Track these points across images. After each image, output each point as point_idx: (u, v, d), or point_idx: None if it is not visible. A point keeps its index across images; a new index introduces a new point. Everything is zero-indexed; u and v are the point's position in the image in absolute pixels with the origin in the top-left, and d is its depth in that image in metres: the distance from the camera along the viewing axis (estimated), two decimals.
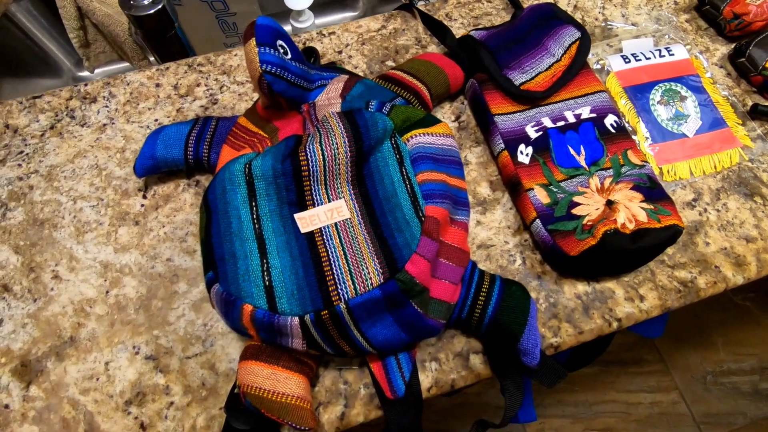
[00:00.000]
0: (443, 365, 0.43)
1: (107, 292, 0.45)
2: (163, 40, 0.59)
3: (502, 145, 0.49)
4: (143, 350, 0.43)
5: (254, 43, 0.38)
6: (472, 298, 0.41)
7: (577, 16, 0.60)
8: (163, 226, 0.48)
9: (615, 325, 0.45)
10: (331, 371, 0.42)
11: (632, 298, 0.46)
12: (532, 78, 0.51)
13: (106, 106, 0.53)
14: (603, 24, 0.60)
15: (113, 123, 0.52)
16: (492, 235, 0.48)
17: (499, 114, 0.50)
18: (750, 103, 0.55)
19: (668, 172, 0.51)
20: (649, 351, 1.40)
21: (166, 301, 0.45)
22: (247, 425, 0.37)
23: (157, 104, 0.53)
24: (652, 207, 0.44)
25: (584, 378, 1.35)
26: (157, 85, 0.54)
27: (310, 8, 0.68)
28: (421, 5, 0.60)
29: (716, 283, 0.47)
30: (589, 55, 0.57)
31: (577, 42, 0.51)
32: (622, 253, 0.42)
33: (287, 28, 0.75)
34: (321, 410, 0.41)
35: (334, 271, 0.35)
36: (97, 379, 0.42)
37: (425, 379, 0.42)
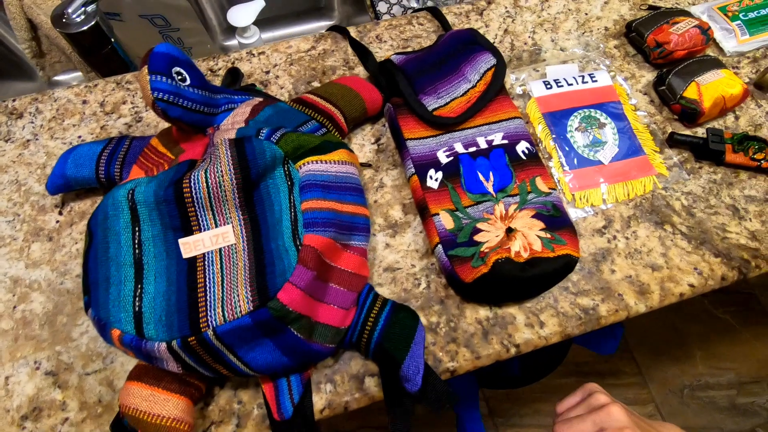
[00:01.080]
0: (338, 387, 0.43)
1: (14, 307, 0.46)
2: (98, 56, 0.60)
3: (413, 170, 0.50)
4: (44, 365, 0.44)
5: (146, 71, 0.39)
6: (361, 323, 0.41)
7: (507, 40, 0.61)
8: (76, 243, 0.49)
9: (513, 350, 0.45)
10: (227, 390, 0.43)
11: (532, 324, 0.46)
12: (447, 103, 0.51)
13: (32, 122, 0.54)
14: (532, 48, 0.60)
15: (37, 139, 0.53)
16: (399, 258, 0.49)
17: (411, 138, 0.51)
18: (669, 132, 0.55)
19: (581, 198, 0.52)
20: (627, 363, 1.40)
21: (72, 317, 0.46)
22: None
23: (82, 121, 0.54)
24: (549, 236, 0.45)
25: (561, 388, 1.35)
26: (84, 102, 0.55)
27: (281, 18, 0.69)
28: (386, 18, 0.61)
29: (618, 311, 0.47)
30: (513, 80, 0.58)
31: (493, 69, 0.52)
32: (512, 282, 0.43)
33: (233, 42, 0.76)
34: (213, 429, 0.41)
35: (208, 297, 0.35)
36: None
37: (319, 401, 0.43)
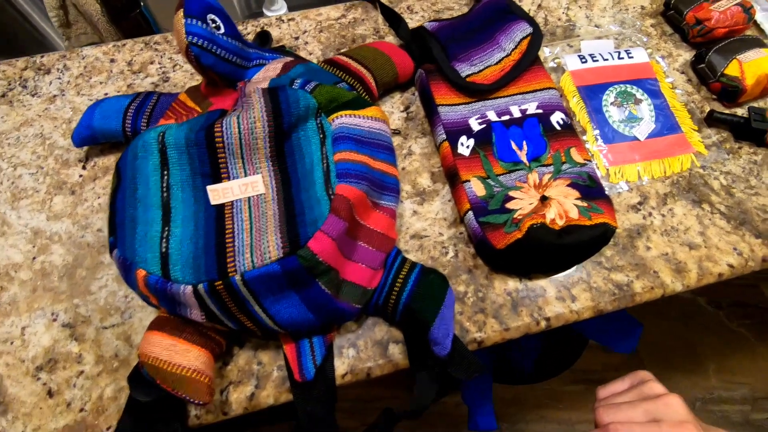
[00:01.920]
0: (361, 353, 0.42)
1: (34, 258, 0.45)
2: (127, 19, 0.60)
3: (444, 136, 0.48)
4: (61, 317, 0.43)
5: (182, 14, 0.38)
6: (389, 285, 0.40)
7: (540, 15, 0.59)
8: (99, 197, 0.48)
9: (543, 324, 0.44)
10: (247, 351, 0.42)
11: (564, 298, 0.45)
12: (480, 71, 0.50)
13: (59, 78, 0.54)
14: (566, 24, 0.59)
15: (63, 95, 0.53)
16: (427, 226, 0.47)
17: (443, 105, 0.49)
18: (708, 110, 0.54)
19: (615, 173, 0.50)
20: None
21: (91, 270, 0.45)
22: (149, 397, 0.37)
23: (109, 79, 0.54)
24: (585, 204, 0.43)
25: (568, 395, 1.32)
26: (112, 61, 0.55)
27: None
28: None
29: (653, 288, 0.45)
30: (547, 53, 0.56)
31: (529, 37, 0.50)
32: (547, 248, 0.41)
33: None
34: (231, 389, 0.40)
35: (236, 243, 0.34)
36: (12, 343, 0.42)
37: (341, 366, 0.41)
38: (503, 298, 0.44)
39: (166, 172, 0.36)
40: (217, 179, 0.37)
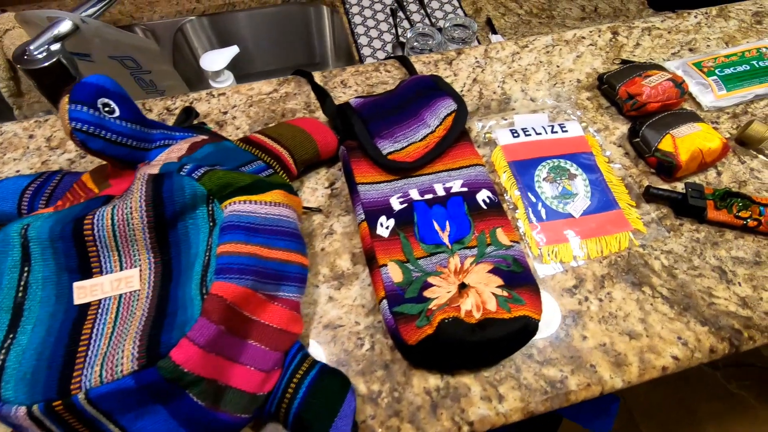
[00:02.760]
0: None
1: None
2: (62, 93, 0.59)
3: (363, 216, 0.46)
4: None
5: (66, 99, 0.37)
6: (282, 389, 0.36)
7: (476, 89, 0.59)
8: None
9: (465, 429, 0.39)
10: None
11: (490, 398, 0.40)
12: (403, 148, 0.48)
13: None
14: (501, 97, 0.58)
15: None
16: (343, 314, 0.44)
17: (363, 183, 0.47)
18: (646, 185, 0.52)
19: (549, 253, 0.47)
20: None
21: None
22: None
23: (24, 155, 0.52)
24: (506, 294, 0.40)
25: None
26: (30, 137, 0.53)
27: (278, 72, 0.69)
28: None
29: (590, 385, 0.41)
30: (479, 128, 0.55)
31: (453, 114, 0.49)
32: (460, 345, 0.37)
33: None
34: None
35: (89, 352, 0.30)
36: None
37: None
38: (422, 399, 0.40)
39: (27, 269, 0.33)
40: (88, 275, 0.34)
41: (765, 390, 1.37)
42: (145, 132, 0.42)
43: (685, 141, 0.50)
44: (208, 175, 0.37)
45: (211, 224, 0.37)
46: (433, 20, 1.11)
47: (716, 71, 0.58)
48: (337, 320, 0.43)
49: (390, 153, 0.48)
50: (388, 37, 1.09)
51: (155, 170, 0.39)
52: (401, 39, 1.06)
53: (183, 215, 0.36)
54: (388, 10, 1.16)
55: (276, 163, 0.47)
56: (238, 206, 0.37)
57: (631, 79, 0.55)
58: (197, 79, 1.22)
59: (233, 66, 0.73)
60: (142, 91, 0.74)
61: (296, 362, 0.37)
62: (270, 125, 0.55)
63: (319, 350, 0.42)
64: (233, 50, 0.69)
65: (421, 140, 0.49)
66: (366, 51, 1.06)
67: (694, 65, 0.59)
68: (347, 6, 1.18)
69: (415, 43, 0.98)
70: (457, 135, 0.49)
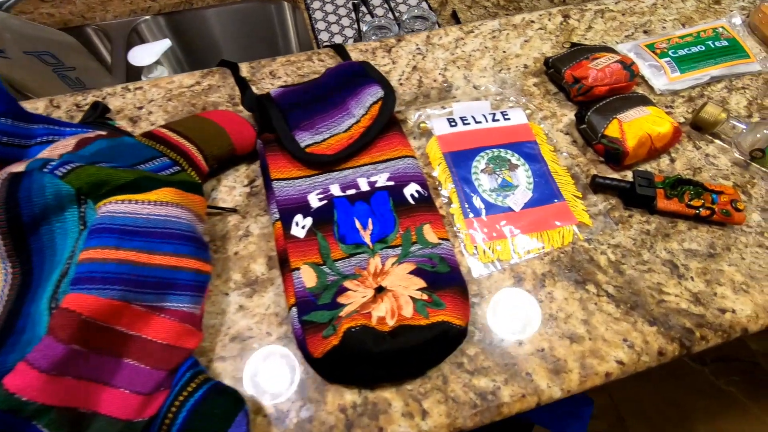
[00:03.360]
0: None
1: None
2: None
3: (277, 215, 0.42)
4: None
5: None
6: (164, 413, 0.31)
7: (415, 77, 0.55)
8: None
9: None
10: None
11: (412, 414, 0.36)
12: (325, 140, 0.44)
13: None
14: (442, 85, 0.54)
15: None
16: (253, 324, 0.39)
17: (279, 179, 0.43)
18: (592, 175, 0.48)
19: (486, 251, 0.43)
20: None
21: None
22: None
23: None
24: (426, 298, 0.36)
25: None
26: None
27: None
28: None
29: (525, 395, 0.37)
30: (415, 118, 0.51)
31: (380, 101, 0.45)
32: (367, 358, 0.33)
33: None
34: None
35: None
36: None
37: None
38: (336, 417, 0.35)
39: None
40: None
41: (753, 385, 1.34)
42: (23, 127, 0.38)
43: (632, 126, 0.46)
44: (75, 172, 0.33)
45: (81, 227, 0.32)
46: (397, 14, 1.07)
47: (670, 53, 0.55)
48: (247, 331, 0.39)
49: (309, 145, 0.44)
50: (350, 32, 1.05)
51: (21, 168, 0.35)
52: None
53: (47, 218, 0.32)
54: (350, 5, 1.12)
55: (183, 160, 0.42)
56: (113, 206, 0.32)
57: (578, 62, 0.51)
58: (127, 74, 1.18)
59: (194, 66, 0.69)
60: (69, 90, 0.69)
61: (184, 381, 0.33)
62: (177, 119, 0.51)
63: (224, 366, 0.37)
64: (164, 44, 0.64)
65: (345, 131, 0.45)
66: None
67: (646, 47, 0.56)
68: (308, 1, 1.14)
69: (373, 37, 0.94)
70: (384, 125, 0.45)
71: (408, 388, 0.37)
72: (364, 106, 0.45)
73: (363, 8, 1.11)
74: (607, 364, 0.38)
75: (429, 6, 1.08)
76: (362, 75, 0.47)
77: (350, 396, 0.36)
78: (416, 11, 0.97)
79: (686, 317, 0.40)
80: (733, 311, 0.41)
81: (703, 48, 0.55)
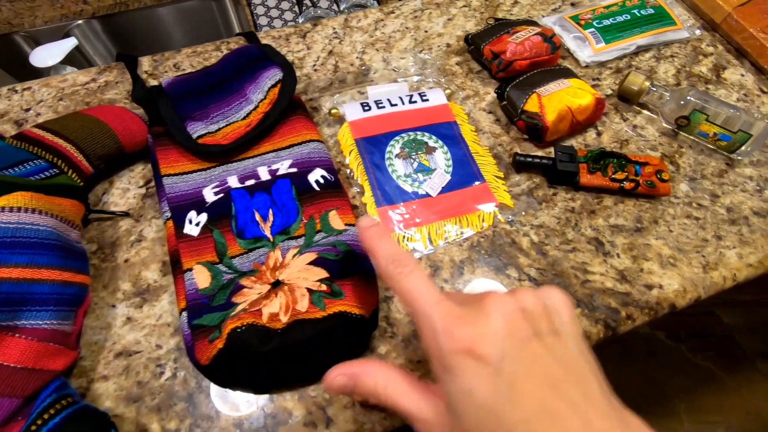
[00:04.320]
0: None
1: None
2: None
3: (168, 213, 0.38)
4: None
5: None
6: None
7: (331, 62, 0.52)
8: None
9: None
10: None
11: (315, 423, 0.32)
12: (220, 129, 0.41)
13: None
14: (359, 69, 0.51)
15: None
16: (142, 337, 0.35)
17: (170, 174, 0.39)
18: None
19: (400, 240, 0.40)
20: None
21: None
22: None
23: None
24: (325, 288, 0.33)
25: None
26: None
27: None
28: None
29: None
30: (328, 104, 0.48)
31: (279, 84, 0.42)
32: (257, 358, 0.30)
33: None
34: None
35: None
36: None
37: None
38: None
39: None
40: None
41: (728, 359, 1.36)
42: None
43: (552, 99, 0.44)
44: None
45: None
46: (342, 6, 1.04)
47: (594, 23, 0.53)
48: (134, 345, 0.35)
49: (202, 136, 0.40)
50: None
51: None
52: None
53: None
54: None
55: (61, 162, 0.38)
56: None
57: (498, 37, 0.49)
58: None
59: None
60: None
61: (43, 407, 0.29)
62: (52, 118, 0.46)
63: (106, 386, 0.33)
64: (69, 43, 0.60)
65: (243, 119, 0.41)
66: None
67: (571, 18, 0.54)
68: None
69: None
70: (286, 109, 0.42)
71: (311, 395, 0.33)
72: (262, 90, 0.42)
73: (306, 1, 1.07)
74: None
75: None
76: (261, 58, 0.44)
77: (247, 408, 0.33)
78: (354, 0, 0.93)
79: (612, 296, 0.38)
80: (660, 287, 0.39)
81: (629, 17, 0.53)
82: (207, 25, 1.21)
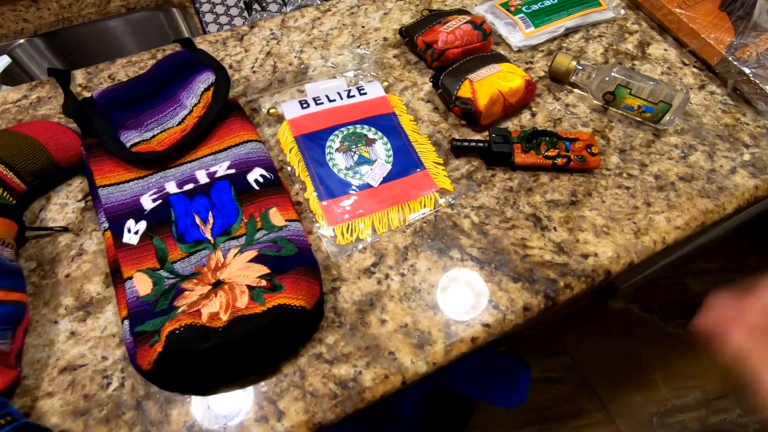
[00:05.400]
0: None
1: None
2: None
3: (106, 224, 0.38)
4: None
5: None
6: None
7: (269, 63, 0.52)
8: None
9: None
10: None
11: (267, 417, 0.33)
12: (154, 136, 0.41)
13: None
14: (298, 68, 0.52)
15: None
16: (87, 351, 0.35)
17: (105, 185, 0.39)
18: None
19: (344, 233, 0.41)
20: (589, 399, 1.27)
21: None
22: None
23: None
24: (264, 284, 0.33)
25: None
26: None
27: None
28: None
29: (388, 375, 0.35)
30: (267, 104, 0.48)
31: (212, 87, 0.42)
32: (196, 357, 0.30)
33: None
34: None
35: None
36: None
37: None
38: None
39: None
40: None
41: None
42: None
43: (483, 84, 0.45)
44: None
45: None
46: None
47: (523, 8, 0.55)
48: (79, 359, 0.35)
49: (136, 144, 0.40)
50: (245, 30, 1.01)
51: None
52: None
53: None
54: (242, 4, 1.08)
55: None
56: None
57: (430, 27, 0.50)
58: None
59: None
60: None
61: None
62: None
63: (51, 402, 0.33)
64: (4, 60, 0.58)
65: (177, 124, 0.41)
66: None
67: (501, 6, 0.55)
68: (197, 5, 1.09)
69: None
70: (221, 111, 0.42)
71: (262, 390, 0.34)
72: (196, 94, 0.42)
73: (255, 5, 1.07)
74: (471, 329, 0.37)
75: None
76: (194, 63, 0.44)
77: (198, 409, 0.33)
78: (299, 2, 0.94)
79: (550, 268, 0.40)
80: (596, 255, 0.40)
81: (556, 1, 0.55)
82: (157, 35, 1.19)
